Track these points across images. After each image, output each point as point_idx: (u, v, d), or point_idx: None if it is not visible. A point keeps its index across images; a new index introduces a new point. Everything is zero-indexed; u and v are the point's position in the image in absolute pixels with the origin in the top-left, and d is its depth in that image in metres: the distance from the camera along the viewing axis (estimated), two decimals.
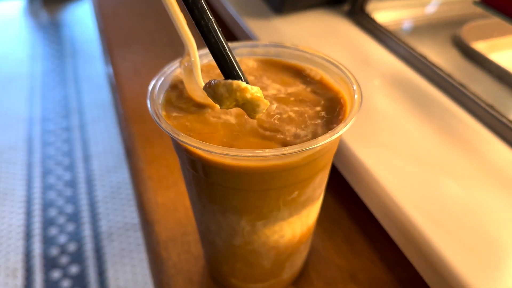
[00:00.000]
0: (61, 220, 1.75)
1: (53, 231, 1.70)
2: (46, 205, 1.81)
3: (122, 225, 1.75)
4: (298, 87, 0.33)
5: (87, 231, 1.72)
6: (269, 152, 0.25)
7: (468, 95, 0.46)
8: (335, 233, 0.44)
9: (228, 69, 0.26)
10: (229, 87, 0.26)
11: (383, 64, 0.53)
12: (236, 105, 0.27)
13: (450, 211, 0.36)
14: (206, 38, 0.26)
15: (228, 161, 0.27)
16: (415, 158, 0.41)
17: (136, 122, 0.57)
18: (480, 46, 0.56)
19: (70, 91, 2.45)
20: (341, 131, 0.27)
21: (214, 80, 0.26)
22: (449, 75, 0.48)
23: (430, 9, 0.65)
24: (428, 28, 0.62)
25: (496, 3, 0.46)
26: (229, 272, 0.37)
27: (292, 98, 0.32)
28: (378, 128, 0.44)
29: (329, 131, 0.27)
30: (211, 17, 0.25)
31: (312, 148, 0.26)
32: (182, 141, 0.26)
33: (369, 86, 0.49)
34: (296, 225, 0.33)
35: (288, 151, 0.25)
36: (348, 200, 0.47)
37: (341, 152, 0.43)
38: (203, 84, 0.28)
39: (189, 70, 0.29)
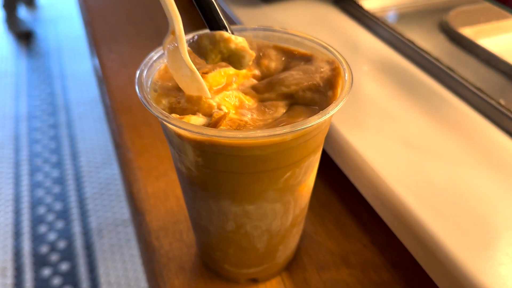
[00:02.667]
0: (50, 217, 1.73)
1: (42, 229, 1.69)
2: (35, 203, 1.79)
3: (112, 221, 1.74)
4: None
5: (76, 228, 1.71)
6: (260, 132, 0.25)
7: (456, 78, 0.46)
8: (326, 218, 0.44)
9: (211, 19, 0.26)
10: (212, 38, 0.25)
11: (371, 50, 0.53)
12: (222, 58, 0.26)
13: (440, 191, 0.36)
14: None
15: (220, 141, 0.26)
16: (404, 140, 0.41)
17: (124, 113, 0.56)
18: (467, 31, 0.57)
19: (56, 88, 2.42)
20: (332, 111, 0.27)
21: (197, 33, 0.25)
22: (436, 59, 0.48)
23: None
24: (415, 14, 0.62)
25: None
26: (222, 258, 0.37)
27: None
28: (367, 112, 0.44)
29: (320, 112, 0.27)
30: None
31: (303, 129, 0.26)
32: (171, 123, 0.26)
33: (358, 71, 0.49)
34: (289, 207, 0.33)
35: (279, 132, 0.25)
36: (338, 185, 0.47)
37: (331, 136, 0.43)
38: (189, 60, 0.27)
39: (173, 51, 0.28)
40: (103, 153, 2.03)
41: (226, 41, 0.25)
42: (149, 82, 0.31)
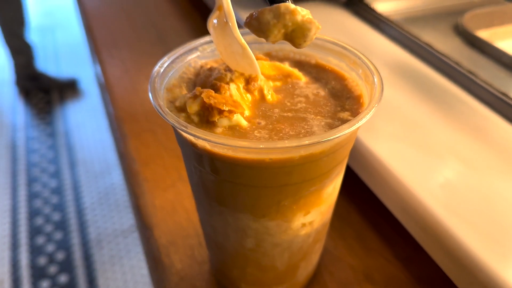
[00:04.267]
0: (49, 228, 1.70)
1: (40, 240, 1.65)
2: (33, 213, 1.76)
3: (111, 231, 1.71)
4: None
5: (75, 239, 1.68)
6: (286, 142, 0.23)
7: (478, 82, 0.44)
8: (346, 232, 0.41)
9: None
10: (276, 11, 0.23)
11: (386, 53, 0.51)
12: (285, 34, 0.24)
13: (469, 200, 0.34)
14: None
15: (240, 155, 0.24)
16: (427, 148, 0.39)
17: (128, 122, 0.54)
18: (483, 34, 0.55)
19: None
20: (363, 119, 0.24)
21: (256, 10, 0.23)
22: (456, 63, 0.46)
23: None
24: (428, 17, 0.60)
25: None
26: (239, 277, 0.35)
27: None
28: (388, 119, 0.42)
29: (350, 121, 0.24)
30: None
31: (332, 139, 0.23)
32: (189, 133, 0.23)
33: None
34: (312, 223, 0.30)
35: (307, 142, 0.23)
36: (356, 197, 0.44)
37: (353, 146, 0.40)
38: (240, 35, 0.25)
39: (221, 28, 0.25)
40: (102, 162, 2.00)
41: (292, 12, 0.23)
42: (162, 89, 0.29)
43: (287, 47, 0.33)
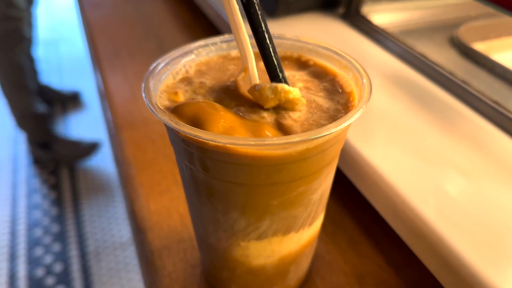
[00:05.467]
0: (47, 240, 1.70)
1: (38, 251, 1.65)
2: (31, 224, 1.76)
3: (110, 244, 1.71)
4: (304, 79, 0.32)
5: (73, 251, 1.67)
6: (276, 140, 0.23)
7: (470, 91, 0.44)
8: (339, 237, 0.41)
9: (275, 72, 0.29)
10: (275, 90, 0.28)
11: (382, 63, 0.51)
12: (278, 104, 0.29)
13: (460, 206, 0.34)
14: (261, 44, 0.28)
15: (230, 151, 0.24)
16: (420, 154, 0.39)
17: (126, 129, 0.54)
18: (479, 46, 0.56)
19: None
20: (351, 118, 0.25)
21: (258, 84, 0.29)
22: (450, 73, 0.47)
23: (425, 11, 0.64)
24: (425, 30, 0.61)
25: None
26: (229, 279, 0.35)
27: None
28: (381, 126, 0.43)
29: (339, 119, 0.25)
30: (267, 26, 0.28)
31: (321, 137, 0.24)
32: (180, 130, 0.24)
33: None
34: (302, 225, 0.31)
35: (296, 139, 0.23)
36: (350, 202, 0.45)
37: (345, 151, 0.41)
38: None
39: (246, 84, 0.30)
40: (102, 174, 2.00)
41: (287, 93, 0.28)
42: (157, 89, 0.30)
43: (288, 52, 0.34)
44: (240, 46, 0.29)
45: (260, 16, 0.28)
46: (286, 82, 0.29)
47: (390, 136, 0.41)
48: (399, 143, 0.40)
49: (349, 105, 0.29)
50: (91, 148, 2.04)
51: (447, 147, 0.40)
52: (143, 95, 0.27)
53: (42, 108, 1.98)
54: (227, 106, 0.29)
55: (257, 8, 0.27)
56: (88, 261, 1.64)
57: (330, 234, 0.42)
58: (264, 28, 0.28)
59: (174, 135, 0.27)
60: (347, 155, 0.40)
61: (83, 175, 2.01)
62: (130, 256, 1.66)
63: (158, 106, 0.26)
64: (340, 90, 0.30)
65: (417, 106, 0.45)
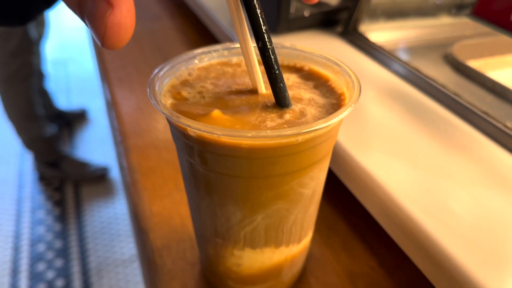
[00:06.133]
0: (50, 255, 1.71)
1: (40, 266, 1.66)
2: (35, 240, 1.77)
3: (112, 261, 1.71)
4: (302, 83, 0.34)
5: (75, 267, 1.68)
6: (270, 132, 0.25)
7: (462, 103, 0.46)
8: (333, 240, 0.43)
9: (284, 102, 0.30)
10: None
11: (378, 77, 0.54)
12: None
13: (450, 208, 0.36)
14: (274, 83, 0.29)
15: (226, 140, 0.26)
16: (412, 161, 0.41)
17: (131, 137, 0.56)
18: (472, 63, 0.58)
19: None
20: (340, 115, 0.27)
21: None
22: (442, 86, 0.49)
23: (421, 30, 0.66)
24: (420, 48, 0.63)
25: (489, 14, 0.47)
26: (225, 274, 0.36)
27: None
28: (375, 134, 0.45)
29: (330, 115, 0.27)
30: (279, 66, 0.29)
31: (313, 130, 0.26)
32: (180, 123, 0.26)
33: (366, 96, 0.50)
34: (296, 220, 0.32)
35: (289, 132, 0.25)
36: (345, 208, 0.46)
37: (340, 157, 0.42)
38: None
39: None
40: (106, 191, 2.02)
41: None
42: (161, 89, 0.32)
43: (284, 61, 0.37)
44: (249, 70, 0.31)
45: (273, 61, 0.29)
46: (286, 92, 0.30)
47: (384, 144, 0.43)
48: (393, 150, 0.42)
49: (340, 103, 0.31)
50: (99, 172, 2.06)
51: (439, 154, 0.42)
52: (148, 92, 0.29)
53: (50, 130, 2.02)
54: (228, 105, 0.31)
55: (271, 53, 0.29)
56: (90, 277, 1.65)
57: (325, 237, 0.43)
58: (276, 68, 0.29)
59: (176, 130, 0.29)
60: (342, 160, 0.42)
61: (87, 192, 2.02)
62: (132, 273, 1.67)
63: (161, 102, 0.28)
64: (332, 91, 0.32)
65: (411, 116, 0.47)
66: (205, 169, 0.29)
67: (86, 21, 0.20)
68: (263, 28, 0.28)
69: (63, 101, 2.67)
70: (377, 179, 0.39)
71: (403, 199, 0.37)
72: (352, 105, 0.28)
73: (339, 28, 0.65)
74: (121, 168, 0.54)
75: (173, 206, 0.47)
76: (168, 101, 0.31)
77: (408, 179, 0.39)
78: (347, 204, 0.46)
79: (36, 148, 2.02)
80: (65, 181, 2.06)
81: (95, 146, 2.31)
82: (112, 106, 0.63)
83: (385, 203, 0.38)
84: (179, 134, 0.29)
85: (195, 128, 0.26)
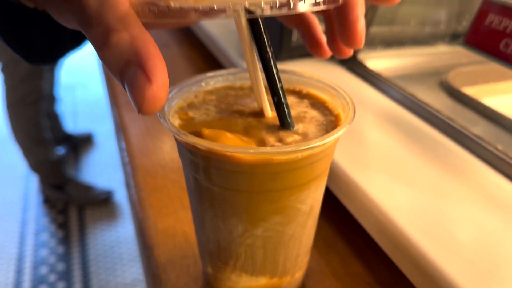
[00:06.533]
0: (52, 278, 1.71)
1: None
2: (38, 262, 1.77)
3: (114, 284, 1.71)
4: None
5: None
6: (269, 149, 0.27)
7: (455, 127, 0.48)
8: (331, 256, 0.44)
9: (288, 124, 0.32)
10: None
11: (376, 103, 0.56)
12: None
13: (443, 226, 0.38)
14: (279, 110, 0.32)
15: (229, 155, 0.28)
16: (408, 181, 0.43)
17: (139, 157, 0.59)
18: (466, 90, 0.60)
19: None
20: (336, 134, 0.29)
21: None
22: (437, 110, 0.51)
23: (417, 58, 0.69)
24: (417, 75, 0.66)
25: (480, 43, 0.50)
26: (228, 287, 0.38)
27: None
28: (372, 155, 0.47)
29: (326, 134, 0.29)
30: (286, 97, 0.32)
31: (310, 148, 0.28)
32: (187, 140, 0.28)
33: (364, 120, 0.52)
34: (294, 235, 0.34)
35: (288, 149, 0.28)
36: (343, 225, 0.48)
37: (338, 177, 0.44)
38: None
39: None
40: (110, 215, 2.03)
41: None
42: (170, 110, 0.34)
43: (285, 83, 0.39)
44: (255, 90, 0.34)
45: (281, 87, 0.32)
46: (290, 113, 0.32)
47: (380, 165, 0.45)
48: (389, 171, 0.44)
49: (336, 124, 0.33)
50: (103, 195, 2.08)
51: (433, 175, 0.44)
52: (158, 112, 0.31)
53: (56, 153, 2.05)
54: (231, 126, 0.33)
55: (285, 107, 0.32)
56: None
57: (324, 254, 0.45)
58: (283, 100, 0.32)
59: (182, 147, 0.32)
60: (340, 180, 0.44)
61: (90, 215, 2.04)
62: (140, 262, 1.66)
63: (170, 121, 0.30)
64: (329, 112, 0.35)
65: (407, 139, 0.49)
66: (209, 184, 0.31)
67: (126, 88, 0.23)
68: (279, 85, 0.32)
69: (70, 124, 2.71)
70: (374, 198, 0.41)
71: (399, 218, 0.39)
72: (347, 125, 0.30)
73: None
74: (128, 187, 0.56)
75: (177, 224, 0.49)
76: (176, 122, 0.34)
77: (403, 199, 0.41)
78: (345, 222, 0.47)
79: (42, 171, 2.04)
80: (69, 204, 2.08)
81: (100, 170, 2.34)
82: (120, 128, 0.65)
83: (381, 222, 0.40)
84: (186, 151, 0.31)
85: (200, 145, 0.28)
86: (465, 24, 0.72)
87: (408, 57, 0.69)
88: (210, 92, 0.38)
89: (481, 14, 0.48)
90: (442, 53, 0.71)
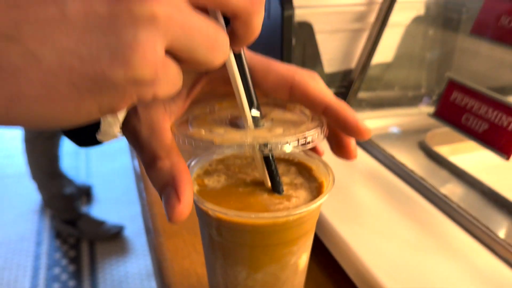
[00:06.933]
0: None
1: None
2: None
3: None
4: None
5: None
6: (267, 215, 0.37)
7: (426, 186, 0.58)
8: None
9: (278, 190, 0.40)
10: None
11: (362, 162, 0.66)
12: None
13: (415, 277, 0.46)
14: (273, 184, 0.41)
15: (236, 219, 0.38)
16: (385, 234, 0.52)
17: (158, 205, 0.68)
18: (442, 149, 0.69)
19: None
20: (317, 202, 0.38)
21: None
22: (411, 171, 0.60)
23: (401, 119, 0.79)
24: (399, 135, 0.75)
25: (446, 116, 0.60)
26: None
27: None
28: (356, 210, 0.56)
29: (309, 202, 0.38)
30: (280, 176, 0.40)
31: (298, 213, 0.37)
32: (204, 206, 0.37)
33: (350, 178, 0.61)
34: (287, 279, 0.43)
35: (280, 215, 0.37)
36: (333, 270, 0.56)
37: (326, 228, 0.53)
38: None
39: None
40: (120, 250, 2.11)
41: None
42: (191, 175, 0.43)
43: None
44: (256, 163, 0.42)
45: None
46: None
47: (363, 220, 0.54)
48: (370, 226, 0.53)
49: (321, 190, 0.42)
50: (114, 230, 2.17)
51: (407, 230, 0.53)
52: None
53: (70, 188, 2.14)
54: (238, 192, 0.42)
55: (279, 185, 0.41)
56: None
57: None
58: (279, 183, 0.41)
59: (200, 210, 0.41)
60: (327, 232, 0.53)
61: (101, 250, 2.11)
62: None
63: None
64: (315, 179, 0.44)
65: (386, 197, 0.58)
66: (220, 238, 0.40)
67: (162, 200, 0.33)
68: (276, 179, 0.41)
69: (82, 161, 2.81)
70: (354, 250, 0.49)
71: (376, 269, 0.47)
72: (327, 194, 0.40)
73: None
74: (148, 231, 0.65)
75: (191, 266, 0.57)
76: (195, 188, 0.43)
77: (381, 250, 0.50)
78: (335, 267, 0.56)
79: (55, 206, 2.13)
80: (81, 239, 2.16)
81: (111, 205, 2.42)
82: (141, 178, 0.75)
83: (359, 270, 0.48)
84: (202, 213, 0.40)
85: (215, 210, 0.37)
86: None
87: (393, 118, 0.79)
88: (221, 161, 0.48)
89: (447, 92, 0.58)
90: (424, 113, 0.81)
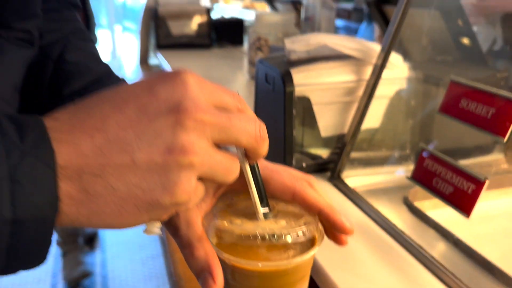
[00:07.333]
0: None
1: None
2: None
3: None
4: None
5: None
6: (271, 263, 0.48)
7: (406, 239, 0.69)
8: None
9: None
10: None
11: (353, 216, 0.77)
12: None
13: None
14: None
15: (246, 267, 0.49)
16: (371, 280, 0.62)
17: (178, 252, 0.79)
18: (423, 204, 0.81)
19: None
20: (310, 253, 0.50)
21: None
22: (394, 224, 0.71)
23: (388, 176, 0.91)
24: (386, 190, 0.87)
25: (420, 179, 0.71)
26: None
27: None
28: (347, 259, 0.66)
29: (304, 253, 0.50)
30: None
31: (295, 261, 0.48)
32: (222, 256, 0.49)
33: None
34: None
35: (281, 263, 0.48)
36: None
37: (320, 273, 0.64)
38: None
39: None
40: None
41: None
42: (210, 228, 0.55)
43: None
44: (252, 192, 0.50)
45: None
46: None
47: (352, 268, 0.65)
48: (357, 271, 0.64)
49: (314, 242, 0.53)
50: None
51: (388, 278, 0.63)
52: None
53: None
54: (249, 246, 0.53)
55: None
56: None
57: None
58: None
59: (218, 258, 0.52)
60: (322, 277, 0.64)
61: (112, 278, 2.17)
62: None
63: (211, 241, 0.51)
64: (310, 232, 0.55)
65: (372, 248, 0.69)
66: (233, 281, 0.51)
67: (200, 282, 0.44)
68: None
69: None
70: None
71: None
72: (318, 247, 0.51)
73: (328, 174, 0.90)
74: (170, 275, 0.76)
75: None
76: (214, 240, 0.54)
77: None
78: None
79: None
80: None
81: (122, 248, 2.49)
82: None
83: None
84: (220, 261, 0.52)
85: (230, 259, 0.48)
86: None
87: (381, 175, 0.90)
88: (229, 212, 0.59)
89: (420, 159, 0.70)
90: (408, 172, 0.92)
